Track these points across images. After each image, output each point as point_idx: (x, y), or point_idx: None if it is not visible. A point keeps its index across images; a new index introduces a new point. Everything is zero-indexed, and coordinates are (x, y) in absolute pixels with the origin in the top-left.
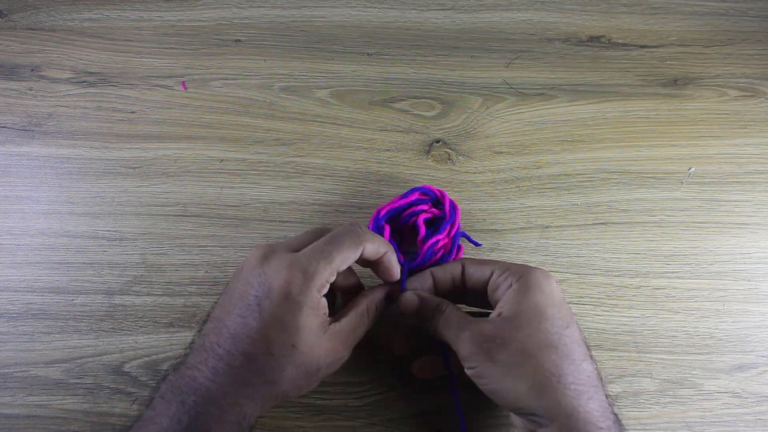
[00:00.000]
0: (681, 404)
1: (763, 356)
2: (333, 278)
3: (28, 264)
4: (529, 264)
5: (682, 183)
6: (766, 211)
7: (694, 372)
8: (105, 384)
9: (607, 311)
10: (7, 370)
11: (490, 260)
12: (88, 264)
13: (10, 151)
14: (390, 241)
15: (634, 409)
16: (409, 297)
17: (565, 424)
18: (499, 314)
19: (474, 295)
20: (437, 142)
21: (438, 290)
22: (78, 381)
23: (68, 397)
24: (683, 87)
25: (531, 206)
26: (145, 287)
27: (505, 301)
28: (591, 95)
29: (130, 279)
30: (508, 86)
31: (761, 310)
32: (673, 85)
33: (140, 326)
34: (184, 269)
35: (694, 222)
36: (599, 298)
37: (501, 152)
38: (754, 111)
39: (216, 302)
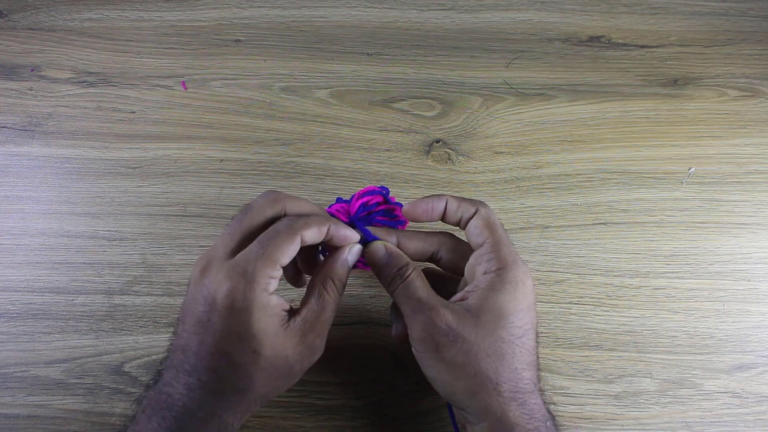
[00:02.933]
0: (681, 404)
1: (763, 356)
2: (278, 274)
3: (28, 264)
4: (529, 264)
5: (682, 183)
6: (766, 211)
7: (694, 372)
8: (105, 384)
9: (607, 311)
10: (7, 370)
11: (494, 225)
12: (88, 264)
13: (10, 151)
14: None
15: (634, 409)
16: (377, 248)
17: (493, 426)
18: (463, 299)
19: (449, 262)
20: (437, 142)
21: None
22: (78, 381)
23: (68, 397)
24: (683, 87)
25: (531, 206)
26: (145, 287)
27: (474, 288)
28: (591, 95)
29: (130, 279)
30: (508, 86)
31: (761, 310)
32: (673, 85)
33: (140, 326)
34: (184, 269)
35: (694, 222)
36: (599, 298)
37: (501, 152)
38: (754, 111)
39: (177, 319)
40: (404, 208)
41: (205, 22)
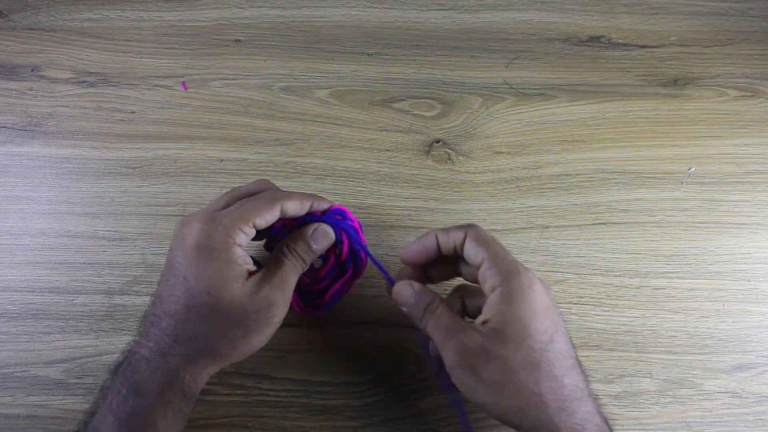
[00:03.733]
0: (681, 404)
1: (763, 356)
2: (249, 231)
3: (28, 264)
4: (529, 264)
5: (682, 183)
6: (766, 211)
7: (694, 372)
8: None
9: (607, 311)
10: (7, 370)
11: (488, 240)
12: (88, 264)
13: (10, 151)
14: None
15: (634, 409)
16: (404, 289)
17: None
18: (485, 321)
19: (468, 271)
20: (437, 142)
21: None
22: (78, 381)
23: (68, 397)
24: (683, 87)
25: (531, 206)
26: (145, 287)
27: (490, 307)
28: (591, 95)
29: (130, 279)
30: (508, 86)
31: (761, 310)
32: (673, 85)
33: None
34: None
35: (694, 222)
36: (599, 298)
37: (501, 152)
38: (754, 111)
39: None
40: (403, 256)
41: (205, 22)
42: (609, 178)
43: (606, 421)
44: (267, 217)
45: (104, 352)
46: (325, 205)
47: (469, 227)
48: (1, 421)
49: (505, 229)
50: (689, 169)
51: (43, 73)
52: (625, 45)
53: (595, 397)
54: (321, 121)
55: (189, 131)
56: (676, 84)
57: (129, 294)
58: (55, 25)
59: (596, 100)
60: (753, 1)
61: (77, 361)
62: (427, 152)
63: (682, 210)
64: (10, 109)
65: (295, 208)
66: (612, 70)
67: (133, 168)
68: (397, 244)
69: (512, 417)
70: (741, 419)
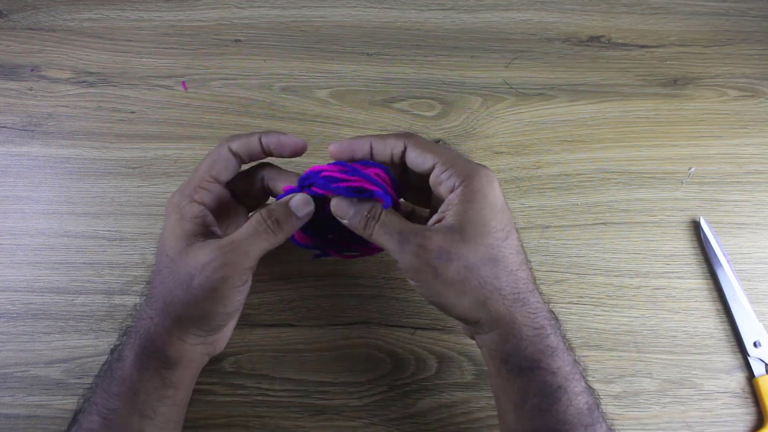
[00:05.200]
0: (681, 404)
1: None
2: (214, 187)
3: (28, 264)
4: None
5: (682, 183)
6: (766, 211)
7: (694, 372)
8: None
9: (607, 311)
10: (7, 370)
11: (434, 146)
12: (88, 264)
13: (10, 151)
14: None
15: (634, 409)
16: (340, 201)
17: (504, 331)
18: (440, 220)
19: (414, 186)
20: (437, 142)
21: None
22: (78, 381)
23: (68, 397)
24: (683, 87)
25: (531, 206)
26: (145, 287)
27: (448, 206)
28: (591, 95)
29: (130, 279)
30: (508, 86)
31: (761, 310)
32: (673, 85)
33: None
34: None
35: (694, 222)
36: (599, 298)
37: (501, 152)
38: (754, 111)
39: None
40: (330, 149)
41: (205, 22)
42: (609, 178)
43: (553, 312)
44: (220, 164)
45: (104, 352)
46: (273, 137)
47: (407, 136)
48: (1, 421)
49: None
50: (689, 169)
51: (43, 73)
52: (625, 45)
53: (540, 291)
54: (321, 121)
55: (189, 131)
56: (676, 84)
57: (129, 294)
58: (55, 25)
59: (596, 100)
60: (753, 1)
61: (77, 361)
62: None
63: (682, 210)
64: (10, 109)
65: (241, 146)
66: (612, 70)
67: (133, 168)
68: None
69: (473, 313)
70: (741, 419)
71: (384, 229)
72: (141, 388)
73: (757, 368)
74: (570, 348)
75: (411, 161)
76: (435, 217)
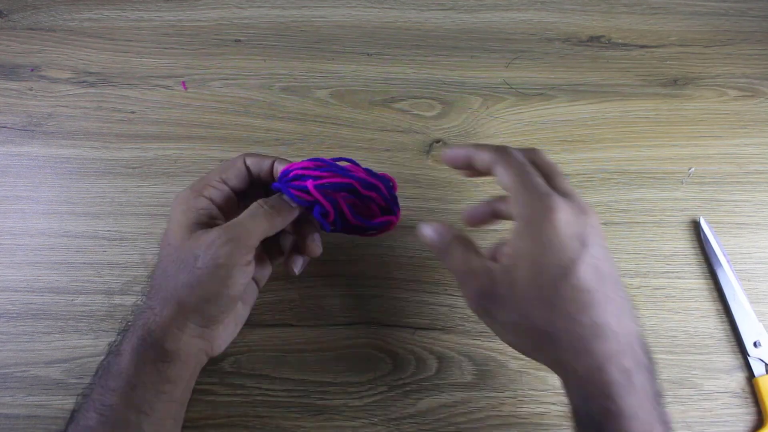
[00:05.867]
0: (681, 404)
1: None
2: (218, 185)
3: (28, 264)
4: None
5: (682, 183)
6: (766, 211)
7: (694, 372)
8: None
9: None
10: (7, 370)
11: (519, 164)
12: (88, 264)
13: (10, 151)
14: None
15: None
16: (422, 230)
17: (568, 378)
18: (497, 258)
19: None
20: (437, 142)
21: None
22: (78, 381)
23: (68, 397)
24: (683, 87)
25: None
26: (145, 287)
27: (508, 242)
28: (591, 95)
29: (130, 279)
30: (508, 86)
31: (761, 310)
32: (673, 85)
33: None
34: None
35: (694, 222)
36: None
37: None
38: (754, 111)
39: None
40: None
41: (205, 22)
42: (609, 178)
43: (642, 359)
44: (232, 171)
45: (104, 353)
46: (283, 165)
47: (499, 150)
48: (1, 421)
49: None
50: (689, 169)
51: (43, 73)
52: (625, 45)
53: (642, 340)
54: (321, 121)
55: (189, 131)
56: (676, 84)
57: (129, 294)
58: (55, 25)
59: (596, 100)
60: (753, 1)
61: (77, 361)
62: (427, 152)
63: (682, 210)
64: (10, 109)
65: (255, 162)
66: (612, 70)
67: (133, 168)
68: (397, 244)
69: (534, 355)
70: (741, 419)
71: (451, 264)
72: (138, 383)
73: (757, 368)
74: (660, 407)
75: (498, 179)
76: (499, 252)
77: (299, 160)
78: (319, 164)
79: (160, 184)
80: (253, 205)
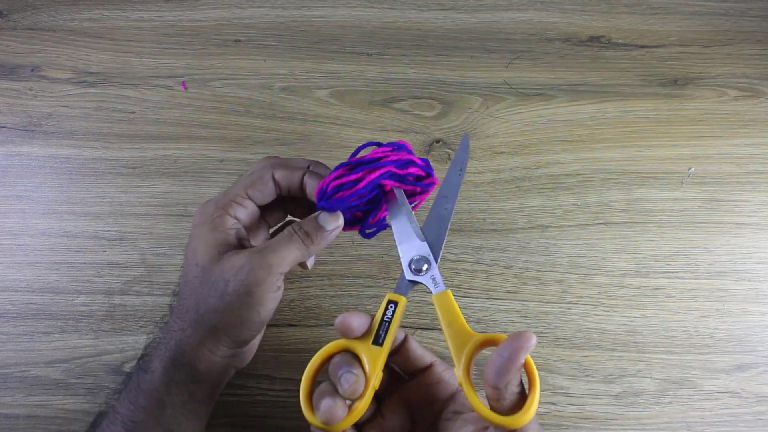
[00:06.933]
0: (681, 404)
1: (763, 356)
2: (244, 201)
3: (28, 264)
4: (529, 264)
5: (682, 183)
6: (766, 211)
7: (694, 372)
8: (105, 384)
9: (607, 311)
10: (7, 370)
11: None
12: (88, 264)
13: (10, 151)
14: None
15: (634, 409)
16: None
17: None
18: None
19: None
20: (437, 142)
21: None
22: (78, 381)
23: (68, 397)
24: (683, 87)
25: (531, 206)
26: (145, 287)
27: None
28: (591, 95)
29: (130, 279)
30: (508, 86)
31: (761, 310)
32: (673, 85)
33: (140, 326)
34: None
35: (694, 222)
36: (599, 298)
37: (501, 152)
38: (754, 111)
39: None
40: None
41: (205, 22)
42: (609, 178)
43: None
44: (259, 186)
45: (104, 352)
46: (315, 180)
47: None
48: (1, 421)
49: (505, 229)
50: (689, 169)
51: (43, 73)
52: (625, 45)
53: None
54: (321, 121)
55: (189, 131)
56: (676, 84)
57: (129, 294)
58: (55, 25)
59: (596, 100)
60: (753, 1)
61: (77, 361)
62: (427, 152)
63: (682, 210)
64: (10, 109)
65: (285, 177)
66: (612, 70)
67: (133, 168)
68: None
69: None
70: (741, 419)
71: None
72: (168, 402)
73: None
74: None
75: (412, 352)
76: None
77: (330, 167)
78: (350, 166)
79: (160, 184)
80: (287, 231)
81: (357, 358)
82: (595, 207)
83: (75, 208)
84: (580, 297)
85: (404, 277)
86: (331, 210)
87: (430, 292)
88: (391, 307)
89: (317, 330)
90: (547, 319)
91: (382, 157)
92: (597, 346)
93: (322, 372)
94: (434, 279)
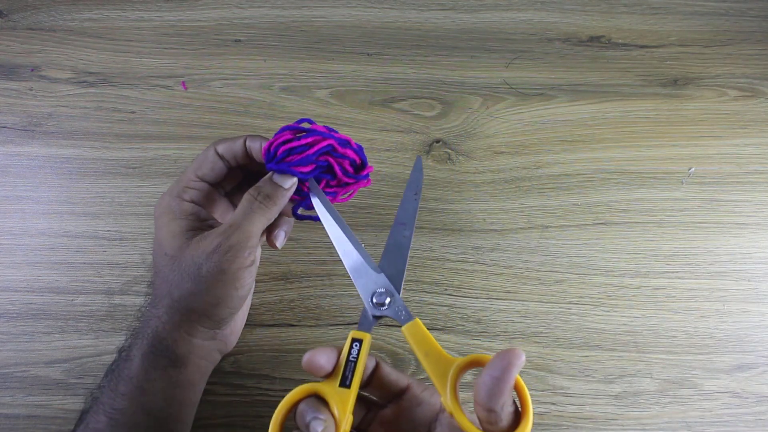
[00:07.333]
0: (681, 404)
1: (763, 356)
2: (195, 184)
3: (28, 264)
4: (529, 264)
5: (682, 183)
6: (766, 211)
7: (694, 372)
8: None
9: (607, 311)
10: (7, 370)
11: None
12: (88, 264)
13: (10, 151)
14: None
15: (634, 409)
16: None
17: None
18: None
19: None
20: (437, 142)
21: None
22: (78, 381)
23: (68, 397)
24: (683, 87)
25: (531, 206)
26: (145, 287)
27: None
28: (591, 95)
29: (130, 279)
30: (508, 86)
31: (761, 310)
32: (673, 85)
33: None
34: None
35: (694, 222)
36: (599, 298)
37: (501, 152)
38: (754, 111)
39: None
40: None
41: (205, 22)
42: (609, 178)
43: None
44: (206, 165)
45: (104, 352)
46: (257, 142)
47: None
48: (1, 421)
49: (505, 229)
50: (689, 169)
51: (43, 73)
52: (625, 45)
53: None
54: (321, 121)
55: (189, 131)
56: (676, 84)
57: (129, 294)
58: (55, 25)
59: (596, 100)
60: (753, 1)
61: (77, 361)
62: (427, 152)
63: (682, 210)
64: (10, 109)
65: (228, 148)
66: (612, 70)
67: (133, 168)
68: None
69: None
70: (741, 419)
71: None
72: (148, 388)
73: None
74: None
75: (386, 377)
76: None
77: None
78: (296, 131)
79: (160, 184)
80: (246, 199)
81: (325, 403)
82: (595, 207)
83: (75, 208)
84: (580, 297)
85: (367, 313)
86: (281, 173)
87: (398, 325)
88: (356, 345)
89: (317, 330)
90: (547, 319)
91: (324, 131)
92: (597, 346)
93: (289, 419)
94: (399, 311)
